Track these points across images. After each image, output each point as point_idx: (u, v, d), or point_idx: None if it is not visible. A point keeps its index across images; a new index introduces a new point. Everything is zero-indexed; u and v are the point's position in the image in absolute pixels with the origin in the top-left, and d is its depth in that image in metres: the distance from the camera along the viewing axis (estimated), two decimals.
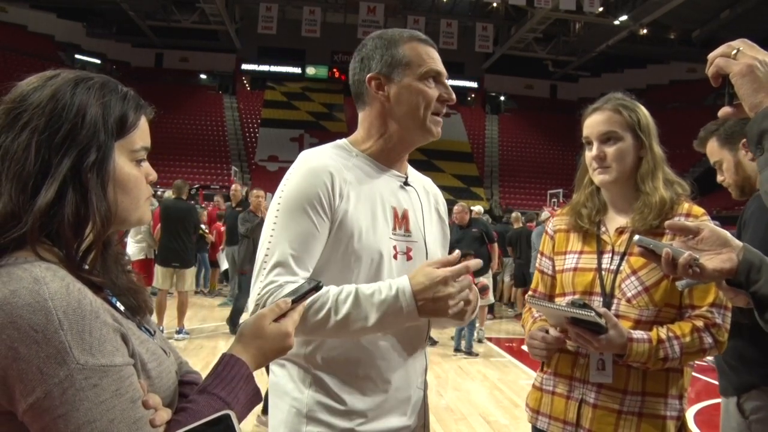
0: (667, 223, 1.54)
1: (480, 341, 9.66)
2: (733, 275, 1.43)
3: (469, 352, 8.63)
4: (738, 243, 1.47)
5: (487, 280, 9.79)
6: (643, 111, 2.06)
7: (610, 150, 2.00)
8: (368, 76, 1.76)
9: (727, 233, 1.49)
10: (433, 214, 1.93)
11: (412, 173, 1.92)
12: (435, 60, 1.77)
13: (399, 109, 1.75)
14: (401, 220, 1.77)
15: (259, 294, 1.60)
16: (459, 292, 1.58)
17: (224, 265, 13.02)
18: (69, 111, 1.03)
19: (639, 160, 2.02)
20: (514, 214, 12.39)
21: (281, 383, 1.75)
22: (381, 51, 1.76)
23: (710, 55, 1.38)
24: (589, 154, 2.05)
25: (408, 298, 1.55)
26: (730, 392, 2.42)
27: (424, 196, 1.90)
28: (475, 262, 1.63)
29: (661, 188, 1.98)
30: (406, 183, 1.84)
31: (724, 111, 1.40)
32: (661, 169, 2.02)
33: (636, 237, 1.53)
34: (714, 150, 2.64)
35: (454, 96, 1.81)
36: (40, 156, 1.00)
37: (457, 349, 8.69)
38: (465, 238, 9.26)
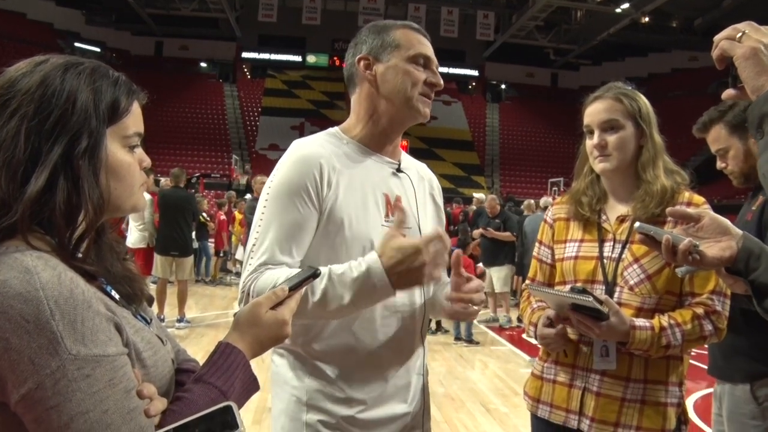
0: (668, 209, 1.54)
1: (502, 327, 9.78)
2: (733, 263, 1.44)
3: (470, 340, 8.64)
4: (738, 231, 1.47)
5: (508, 270, 9.94)
6: (644, 99, 2.05)
7: (611, 138, 2.00)
8: (358, 56, 1.78)
9: (727, 221, 1.49)
10: (428, 200, 1.92)
11: (406, 159, 1.91)
12: (425, 46, 1.78)
13: (385, 87, 1.75)
14: (394, 208, 1.76)
15: (244, 283, 1.62)
16: (433, 260, 1.50)
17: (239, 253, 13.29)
18: (59, 97, 1.01)
19: (639, 148, 2.02)
20: (526, 202, 12.45)
21: (281, 372, 1.76)
22: (373, 36, 1.78)
23: (716, 38, 1.37)
24: (590, 142, 2.05)
25: (380, 275, 1.50)
26: (739, 379, 2.42)
27: (418, 182, 1.88)
28: (443, 238, 1.53)
29: (662, 177, 1.98)
30: (398, 170, 1.83)
31: (728, 93, 1.40)
32: (661, 158, 2.02)
33: (637, 224, 1.53)
34: (721, 136, 2.55)
35: (441, 82, 1.81)
36: (30, 143, 0.98)
37: (458, 338, 8.70)
38: (489, 226, 9.87)
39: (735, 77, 1.35)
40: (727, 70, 1.38)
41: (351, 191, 1.69)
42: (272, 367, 1.79)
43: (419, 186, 1.88)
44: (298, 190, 1.64)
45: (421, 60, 1.76)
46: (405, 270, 1.50)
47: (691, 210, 1.53)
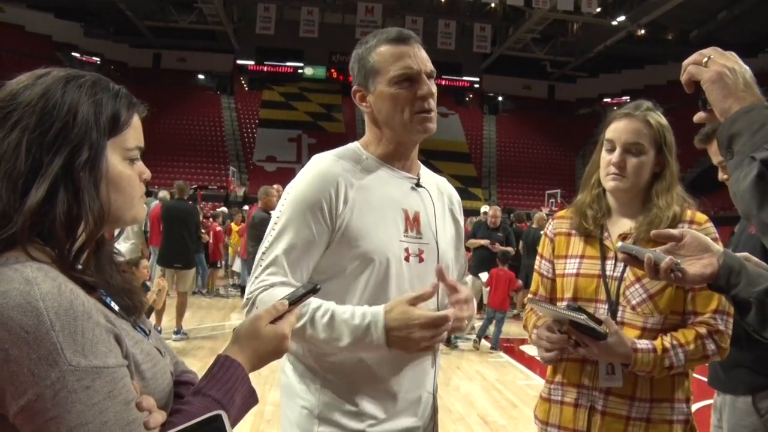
0: (652, 232, 1.58)
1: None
2: (714, 279, 1.48)
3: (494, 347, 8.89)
4: (718, 248, 1.51)
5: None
6: (669, 127, 2.02)
7: (632, 161, 1.96)
8: (353, 89, 1.81)
9: (707, 239, 1.53)
10: (447, 215, 1.92)
11: (425, 174, 1.91)
12: (404, 58, 1.72)
13: (381, 116, 1.77)
14: (413, 222, 1.77)
15: (250, 291, 1.65)
16: (432, 336, 1.59)
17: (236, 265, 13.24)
18: (60, 109, 1.01)
19: (654, 174, 2.01)
20: (537, 215, 12.49)
21: (292, 384, 1.76)
22: (357, 65, 1.79)
23: (683, 63, 1.43)
24: (608, 157, 2.00)
25: (379, 332, 1.57)
26: (741, 391, 2.43)
27: (437, 197, 1.89)
28: (453, 315, 1.64)
29: (675, 204, 1.97)
30: (417, 184, 1.83)
31: (699, 116, 1.46)
32: (675, 187, 2.01)
33: (619, 244, 1.56)
34: None
35: (431, 90, 1.74)
36: (30, 155, 0.98)
37: (481, 337, 8.93)
38: (490, 238, 9.95)
39: (704, 101, 1.41)
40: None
41: (368, 207, 1.71)
42: (282, 378, 1.80)
43: (438, 200, 1.89)
44: (313, 206, 1.67)
45: (403, 78, 1.71)
46: (403, 336, 1.58)
47: (673, 230, 1.56)
